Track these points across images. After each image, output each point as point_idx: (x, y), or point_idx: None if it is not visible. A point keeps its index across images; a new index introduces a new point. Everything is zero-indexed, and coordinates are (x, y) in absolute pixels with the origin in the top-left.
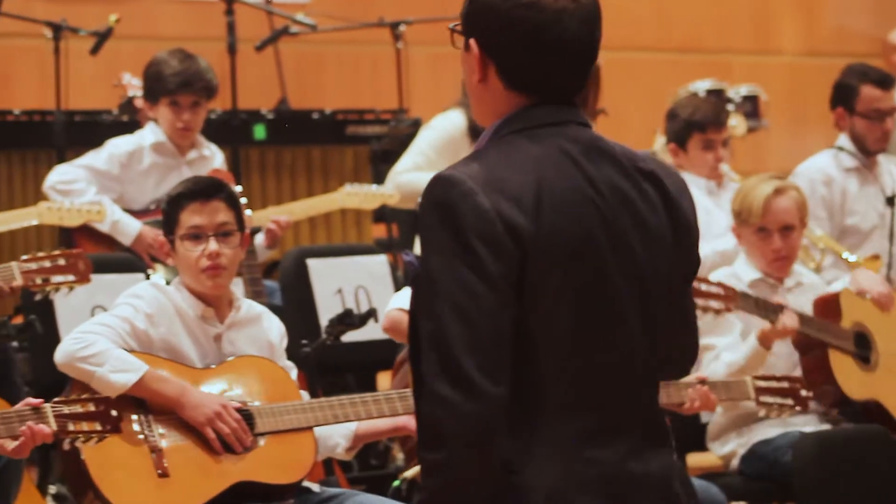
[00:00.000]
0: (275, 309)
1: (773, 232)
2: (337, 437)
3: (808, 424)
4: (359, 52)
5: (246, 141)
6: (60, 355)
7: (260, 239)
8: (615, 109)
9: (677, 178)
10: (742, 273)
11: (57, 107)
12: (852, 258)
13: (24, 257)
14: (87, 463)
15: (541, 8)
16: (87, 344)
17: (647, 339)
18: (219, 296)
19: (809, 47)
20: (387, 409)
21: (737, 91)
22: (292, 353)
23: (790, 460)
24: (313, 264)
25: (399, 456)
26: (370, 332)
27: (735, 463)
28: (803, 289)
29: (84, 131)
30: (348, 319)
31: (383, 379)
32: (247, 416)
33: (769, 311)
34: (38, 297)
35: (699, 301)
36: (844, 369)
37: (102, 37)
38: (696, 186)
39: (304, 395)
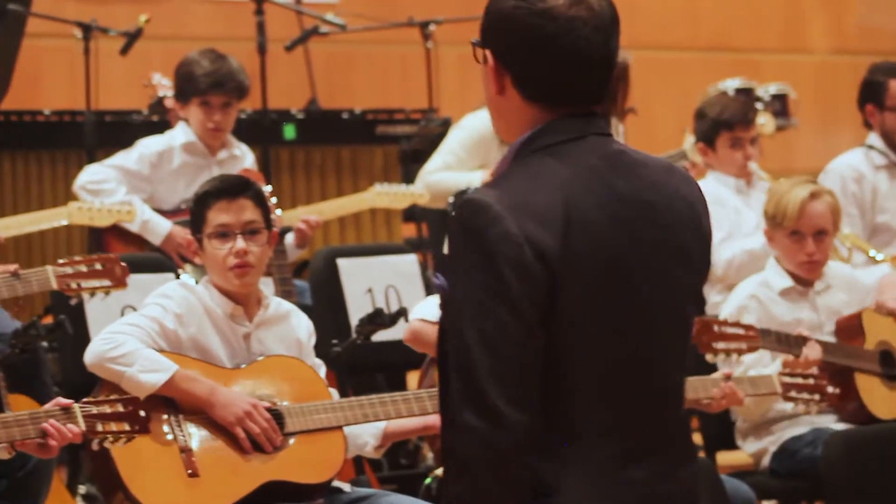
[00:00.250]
0: (305, 308)
1: (806, 236)
2: (366, 435)
3: (840, 422)
4: (388, 51)
5: (276, 141)
6: (90, 356)
7: (290, 238)
8: (644, 108)
9: (695, 186)
10: (773, 281)
11: (87, 107)
12: (880, 256)
13: (61, 261)
14: (117, 463)
15: (553, 16)
16: (117, 344)
17: (676, 356)
18: (247, 294)
19: (838, 45)
20: (416, 408)
21: (766, 90)
22: (322, 352)
23: (820, 458)
24: (343, 264)
25: (429, 455)
26: (400, 331)
27: (766, 461)
28: (832, 290)
29: (114, 131)
30: (378, 319)
31: (413, 378)
32: (277, 415)
33: (791, 345)
34: (72, 302)
35: (720, 345)
36: (870, 390)
37: (132, 37)
38: (726, 185)
39: (334, 393)
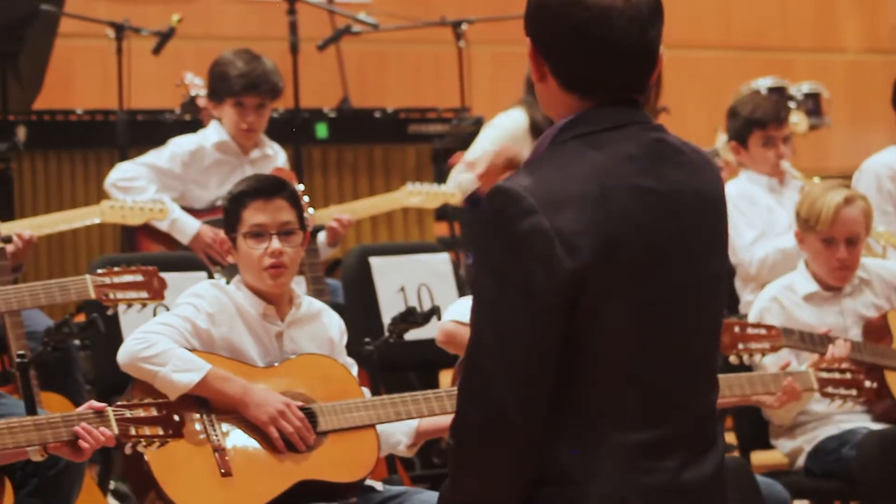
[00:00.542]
0: (337, 307)
1: (839, 242)
2: (399, 434)
3: (875, 422)
4: (420, 51)
5: (308, 140)
6: (123, 356)
7: (322, 237)
8: (677, 107)
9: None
10: (798, 285)
11: (119, 106)
12: None
13: (100, 270)
14: (150, 462)
15: (587, 6)
16: (150, 344)
17: (706, 346)
18: (279, 294)
19: (871, 44)
20: (449, 406)
21: (798, 88)
22: (355, 351)
23: (855, 458)
24: (376, 262)
25: None
26: (433, 330)
27: (801, 461)
28: (862, 293)
29: (146, 131)
30: (411, 317)
31: (446, 377)
32: (310, 414)
33: (816, 343)
34: (109, 312)
35: (742, 345)
36: None
37: (165, 37)
38: (758, 184)
39: (366, 392)
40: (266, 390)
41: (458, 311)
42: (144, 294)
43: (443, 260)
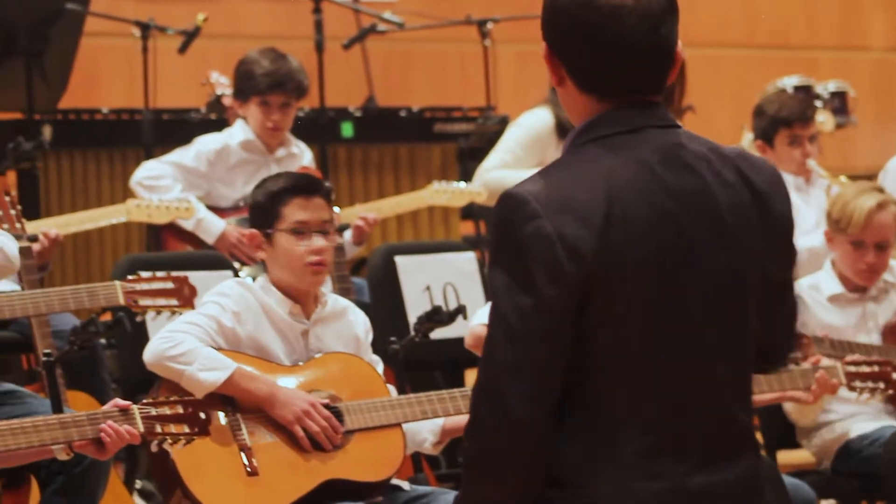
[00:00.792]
0: (363, 306)
1: (869, 246)
2: (425, 432)
3: None
4: (446, 49)
5: (334, 139)
6: (149, 355)
7: (348, 236)
8: (702, 106)
9: (768, 173)
10: (824, 286)
11: (145, 105)
12: None
13: (130, 277)
14: (176, 461)
15: (597, 6)
16: (176, 343)
17: (724, 350)
18: (307, 292)
19: None
20: None
21: (824, 87)
22: (380, 349)
23: (883, 457)
24: (401, 261)
25: None
26: (458, 329)
27: (828, 460)
28: (887, 293)
29: (172, 130)
30: (437, 316)
31: (471, 376)
32: (336, 413)
33: (846, 350)
34: (138, 319)
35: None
36: None
37: (190, 36)
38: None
39: (392, 389)
40: (292, 389)
41: (487, 314)
42: (174, 301)
43: (468, 259)
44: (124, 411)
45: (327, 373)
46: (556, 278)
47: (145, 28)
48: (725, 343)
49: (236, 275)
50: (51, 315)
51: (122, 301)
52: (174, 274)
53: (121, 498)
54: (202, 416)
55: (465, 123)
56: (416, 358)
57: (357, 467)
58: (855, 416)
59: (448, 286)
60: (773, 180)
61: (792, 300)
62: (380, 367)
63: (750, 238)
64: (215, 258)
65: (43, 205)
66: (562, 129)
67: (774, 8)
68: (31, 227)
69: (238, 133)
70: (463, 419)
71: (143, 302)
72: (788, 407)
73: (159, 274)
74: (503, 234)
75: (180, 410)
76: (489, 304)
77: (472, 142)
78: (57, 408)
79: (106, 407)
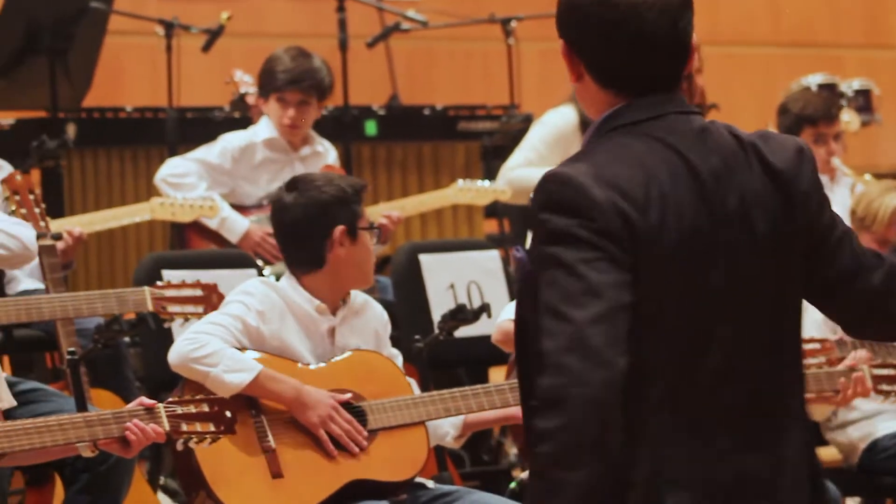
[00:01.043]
0: (387, 304)
1: (893, 244)
2: (446, 425)
3: None
4: (470, 48)
5: (357, 137)
6: (174, 356)
7: None
8: (726, 104)
9: (790, 150)
10: None
11: (169, 104)
12: None
13: (160, 283)
14: (200, 462)
15: (616, 2)
16: (201, 344)
17: (757, 333)
18: (345, 292)
19: None
20: (498, 401)
21: (849, 85)
22: (405, 348)
23: None
24: (425, 259)
25: (512, 451)
26: (483, 327)
27: (855, 458)
28: None
29: (196, 128)
30: (461, 314)
31: (495, 374)
32: (360, 412)
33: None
34: (165, 325)
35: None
36: None
37: (214, 34)
38: None
39: (412, 383)
40: (317, 391)
41: (514, 310)
42: (202, 309)
43: (492, 257)
44: (149, 410)
45: (351, 372)
46: (616, 242)
47: (169, 26)
48: (755, 325)
49: (260, 273)
50: None
51: (150, 307)
52: (203, 282)
53: (145, 496)
54: (228, 414)
55: (489, 121)
56: (440, 356)
57: (381, 467)
58: (880, 415)
59: (472, 284)
60: (794, 157)
61: (847, 251)
62: (399, 360)
63: (775, 217)
64: (239, 257)
65: (67, 203)
66: (586, 126)
67: (799, 6)
68: (56, 225)
69: (262, 131)
70: (485, 413)
71: (172, 309)
72: None
73: (188, 281)
74: (555, 210)
75: (206, 409)
76: (515, 300)
77: (495, 140)
78: (81, 406)
79: (131, 405)
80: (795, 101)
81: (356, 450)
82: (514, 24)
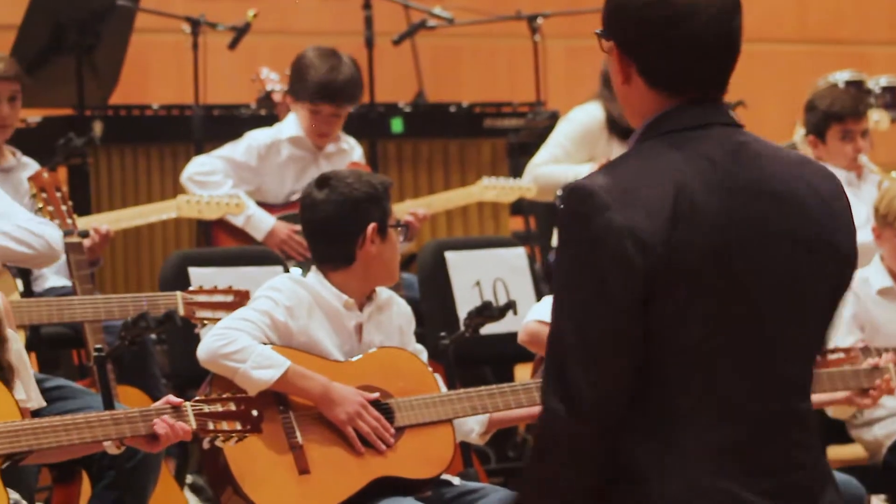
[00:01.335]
0: (412, 301)
1: None
2: (471, 422)
3: None
4: (496, 45)
5: (383, 134)
6: (203, 352)
7: None
8: (753, 102)
9: (834, 185)
10: (873, 279)
11: (195, 101)
12: None
13: (192, 288)
14: (228, 458)
15: (671, 1)
16: (230, 340)
17: (793, 347)
18: (372, 289)
19: None
20: (524, 400)
21: (876, 82)
22: (431, 345)
23: None
24: (451, 257)
25: None
26: (508, 324)
27: (881, 455)
28: None
29: (222, 125)
30: (487, 312)
31: (521, 371)
32: (387, 409)
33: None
34: (196, 331)
35: (824, 370)
36: None
37: (240, 32)
38: None
39: (438, 379)
40: (345, 388)
41: (541, 310)
42: None
43: (518, 254)
44: (176, 409)
45: (378, 369)
46: (626, 271)
47: (195, 24)
48: (788, 338)
49: (286, 270)
50: None
51: (182, 312)
52: (235, 288)
53: (172, 493)
54: (254, 413)
55: (515, 119)
56: (465, 353)
57: (408, 464)
58: None
59: (498, 281)
60: (837, 188)
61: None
62: (424, 355)
63: (819, 239)
64: (265, 254)
65: (94, 200)
66: (612, 124)
67: (825, 2)
68: (82, 222)
69: (288, 128)
70: (509, 412)
71: (202, 314)
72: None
73: (220, 287)
74: (572, 226)
75: (233, 407)
76: (543, 300)
77: (521, 137)
78: (108, 403)
79: (158, 404)
80: (822, 98)
81: (383, 447)
82: (540, 20)
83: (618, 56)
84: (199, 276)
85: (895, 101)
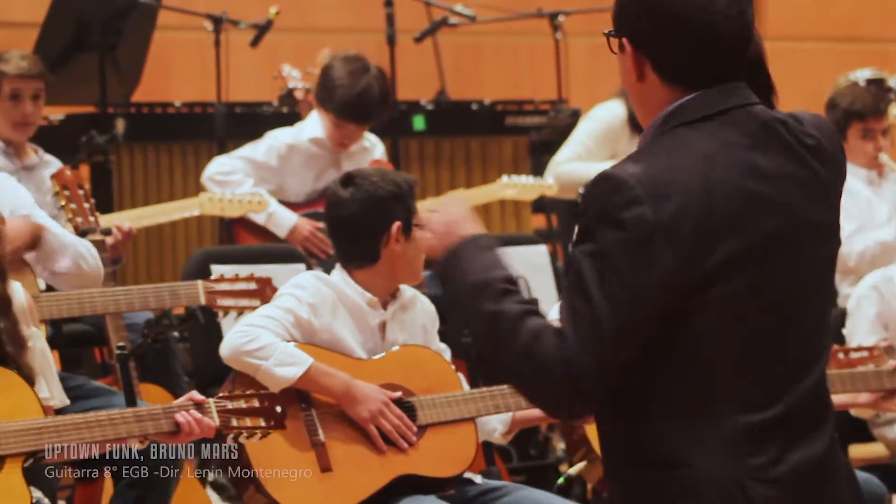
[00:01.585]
0: (434, 298)
1: None
2: (494, 421)
3: None
4: (517, 42)
5: (405, 132)
6: (226, 349)
7: None
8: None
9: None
10: None
11: (217, 99)
12: None
13: (213, 277)
14: (250, 456)
15: None
16: (253, 338)
17: (815, 326)
18: (395, 287)
19: None
20: None
21: None
22: (453, 343)
23: None
24: None
25: (559, 446)
26: None
27: None
28: None
29: (244, 123)
30: None
31: None
32: (409, 408)
33: None
34: (218, 319)
35: (847, 370)
36: None
37: (262, 29)
38: (857, 177)
39: (461, 377)
40: (367, 386)
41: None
42: (257, 303)
43: (540, 252)
44: (199, 405)
45: (401, 367)
46: (652, 263)
47: (217, 21)
48: (814, 323)
49: (309, 268)
50: None
51: (203, 301)
52: (257, 275)
53: (194, 491)
54: (277, 409)
55: (537, 116)
56: None
57: (430, 463)
58: None
59: (519, 280)
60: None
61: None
62: (447, 354)
63: (829, 219)
64: (288, 251)
65: (116, 198)
66: (634, 122)
67: (847, 1)
68: (105, 220)
69: (310, 129)
70: (532, 411)
71: (225, 302)
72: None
73: (242, 274)
74: (600, 215)
75: (256, 404)
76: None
77: (543, 135)
78: (131, 401)
79: (181, 400)
80: (843, 96)
81: (405, 445)
82: (561, 18)
83: (631, 53)
84: (222, 273)
85: None
